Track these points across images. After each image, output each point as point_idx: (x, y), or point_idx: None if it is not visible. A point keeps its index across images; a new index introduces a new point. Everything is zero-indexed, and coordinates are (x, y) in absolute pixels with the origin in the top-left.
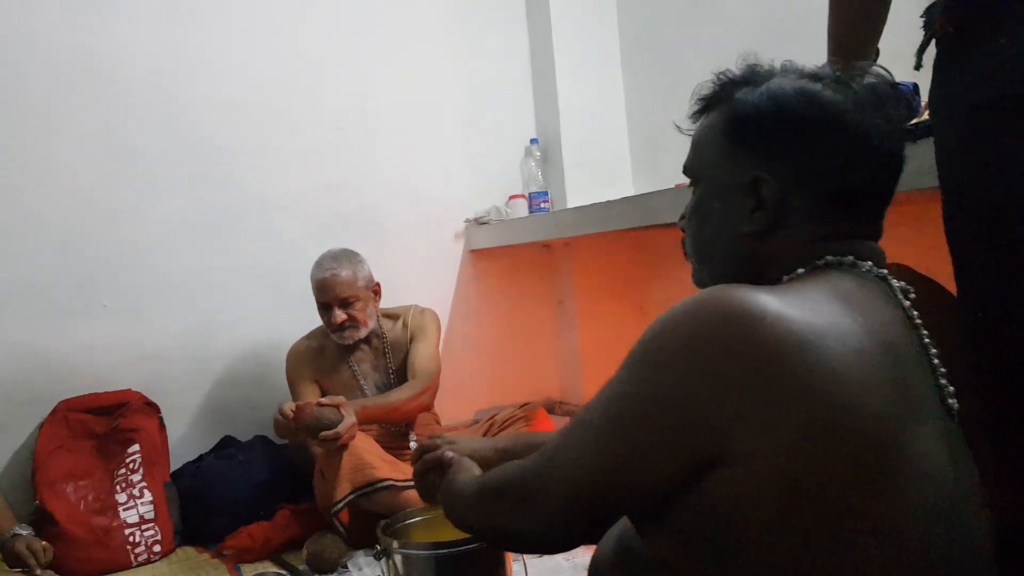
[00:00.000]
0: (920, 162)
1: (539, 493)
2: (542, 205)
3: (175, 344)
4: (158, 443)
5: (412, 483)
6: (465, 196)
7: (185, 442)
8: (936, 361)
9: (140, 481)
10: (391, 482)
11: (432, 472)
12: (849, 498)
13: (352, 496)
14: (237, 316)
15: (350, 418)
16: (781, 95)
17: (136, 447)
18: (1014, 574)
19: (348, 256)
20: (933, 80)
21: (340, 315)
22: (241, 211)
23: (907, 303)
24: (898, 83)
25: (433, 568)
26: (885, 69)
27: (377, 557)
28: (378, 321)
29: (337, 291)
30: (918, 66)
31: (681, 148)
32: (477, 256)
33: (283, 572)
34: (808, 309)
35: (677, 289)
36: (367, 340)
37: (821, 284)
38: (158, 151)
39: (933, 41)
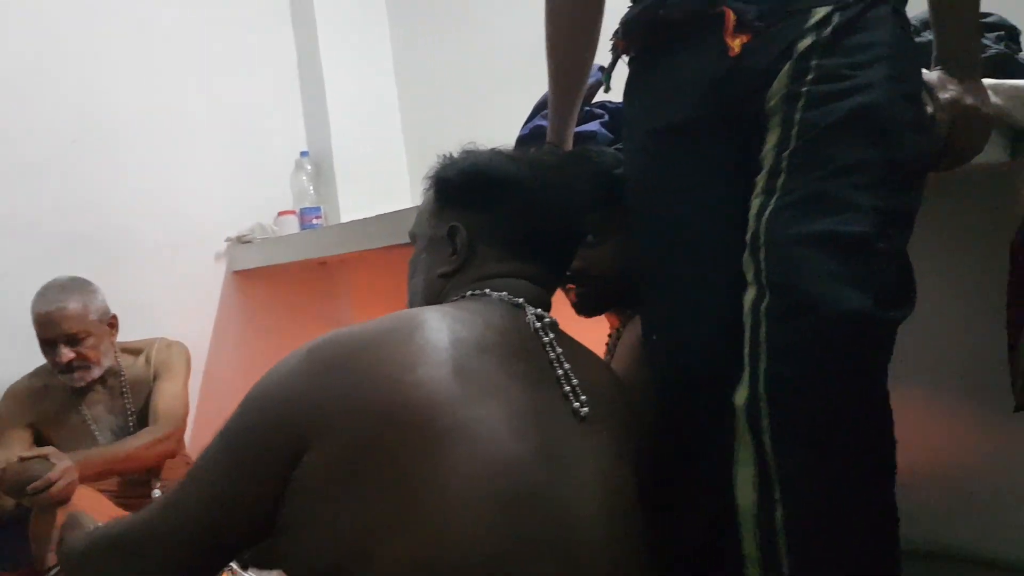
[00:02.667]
0: None
1: (150, 543)
2: (314, 221)
3: None
4: None
5: None
6: (228, 213)
7: None
8: (560, 372)
9: None
10: None
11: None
12: (400, 460)
13: None
14: None
15: (63, 463)
16: (473, 163)
17: None
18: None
19: (78, 286)
20: (624, 100)
21: (67, 353)
22: None
23: (538, 324)
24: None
25: None
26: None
27: None
28: (115, 358)
29: (64, 326)
30: (607, 88)
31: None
32: (243, 277)
33: None
34: (393, 324)
35: None
36: (102, 380)
37: (448, 309)
38: None
39: None
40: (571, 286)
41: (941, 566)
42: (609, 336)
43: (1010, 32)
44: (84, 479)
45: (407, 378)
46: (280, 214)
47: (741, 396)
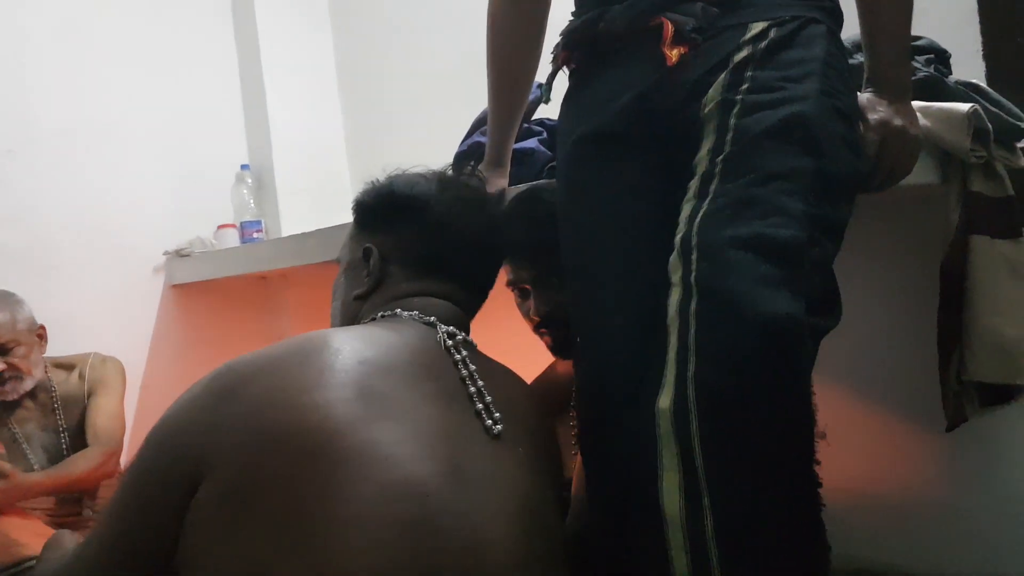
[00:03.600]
0: None
1: None
2: (255, 235)
3: None
4: None
5: None
6: (166, 226)
7: None
8: (473, 390)
9: None
10: None
11: None
12: (294, 487)
13: None
14: None
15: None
16: (384, 189)
17: None
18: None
19: (3, 297)
20: (560, 113)
21: None
22: None
23: (449, 342)
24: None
25: None
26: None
27: None
28: (45, 372)
29: None
30: (546, 100)
31: (406, 166)
32: (181, 292)
33: None
34: (293, 347)
35: None
36: (32, 395)
37: (356, 330)
38: None
39: None
40: (543, 331)
41: None
42: None
43: (940, 56)
44: (26, 499)
45: (304, 401)
46: (220, 227)
47: (666, 399)
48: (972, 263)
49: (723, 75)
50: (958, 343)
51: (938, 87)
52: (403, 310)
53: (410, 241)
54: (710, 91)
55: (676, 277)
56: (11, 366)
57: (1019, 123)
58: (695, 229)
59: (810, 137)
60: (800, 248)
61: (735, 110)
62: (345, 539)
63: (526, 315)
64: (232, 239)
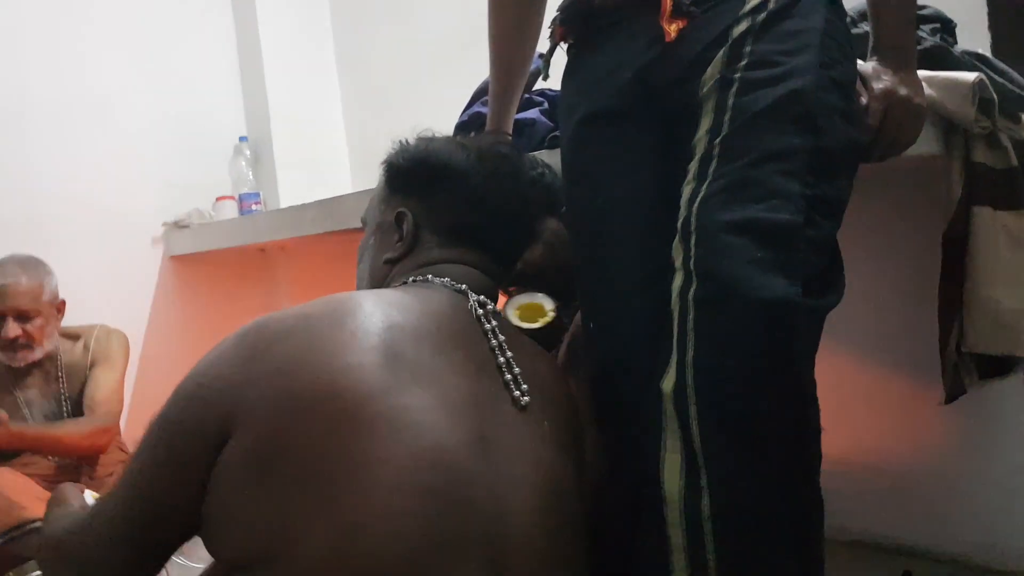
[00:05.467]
0: None
1: (88, 545)
2: (253, 207)
3: None
4: None
5: None
6: (163, 198)
7: None
8: (502, 360)
9: None
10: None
11: None
12: (322, 448)
13: None
14: None
15: None
16: (420, 154)
17: None
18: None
19: (35, 264)
20: (561, 88)
21: (14, 329)
22: None
23: (480, 311)
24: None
25: None
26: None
27: None
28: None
29: (16, 301)
30: (545, 76)
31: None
32: (180, 263)
33: None
34: (326, 309)
35: None
36: (39, 363)
37: (387, 293)
38: None
39: None
40: (512, 289)
41: (867, 555)
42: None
43: (945, 25)
44: (9, 446)
45: (335, 364)
46: (218, 199)
47: (668, 383)
48: (974, 234)
49: (722, 52)
50: (958, 314)
51: (943, 56)
52: (435, 276)
53: (446, 209)
54: (709, 68)
55: (678, 261)
56: (27, 334)
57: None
58: (694, 213)
59: (807, 114)
60: (795, 231)
61: (733, 89)
62: (371, 504)
63: None
64: (230, 211)
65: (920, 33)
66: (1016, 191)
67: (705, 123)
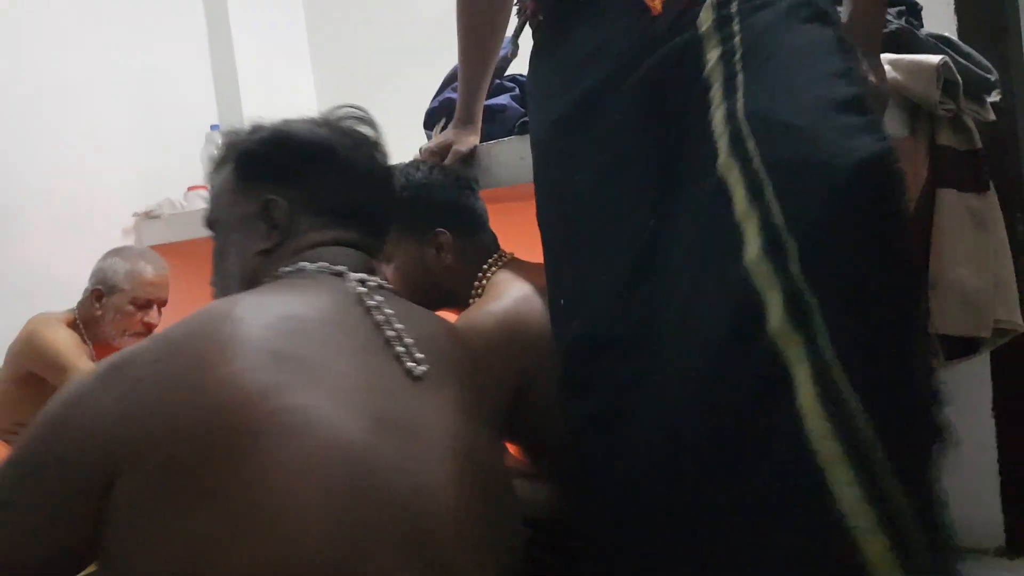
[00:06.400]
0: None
1: None
2: None
3: None
4: None
5: None
6: (134, 188)
7: None
8: (391, 334)
9: None
10: None
11: None
12: (216, 468)
13: None
14: None
15: None
16: (280, 137)
17: None
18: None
19: (160, 261)
20: (529, 69)
21: (156, 317)
22: None
23: (362, 289)
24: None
25: None
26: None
27: None
28: None
29: (166, 293)
30: (514, 54)
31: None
32: None
33: None
34: (197, 322)
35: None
36: None
37: (257, 293)
38: None
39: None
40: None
41: None
42: None
43: (911, 8)
44: None
45: (210, 378)
46: (190, 189)
47: (752, 250)
48: (939, 216)
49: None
50: (925, 296)
51: (909, 39)
52: (308, 263)
53: (320, 189)
54: (701, 12)
55: (733, 175)
56: (148, 325)
57: (988, 76)
58: (742, 120)
59: (819, 12)
60: (862, 96)
61: (734, 20)
62: (271, 513)
63: None
64: (203, 201)
65: (886, 16)
66: (980, 173)
67: (712, 54)
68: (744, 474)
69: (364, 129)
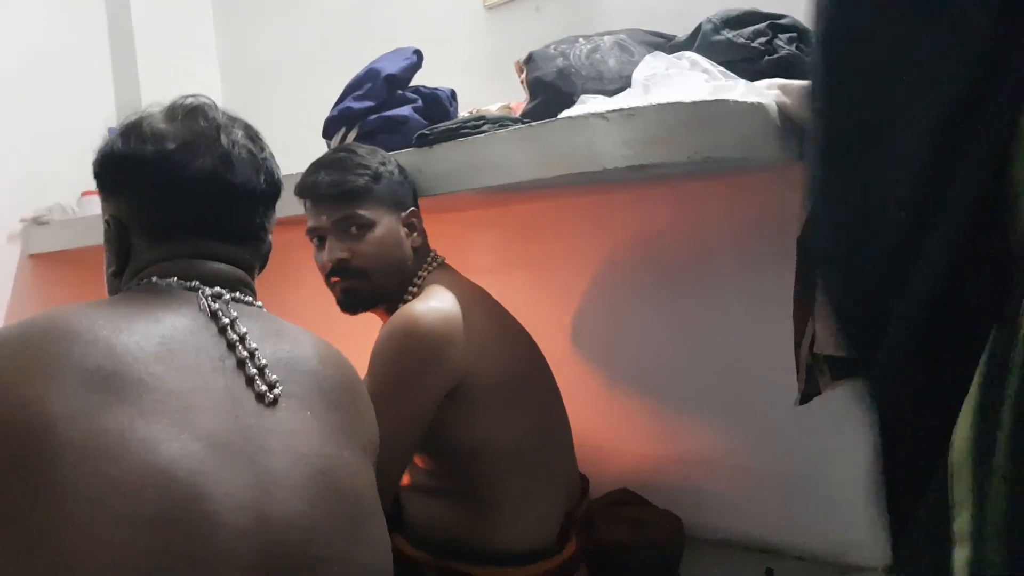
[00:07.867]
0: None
1: None
2: None
3: None
4: None
5: None
6: (24, 191)
7: None
8: (245, 354)
9: None
10: None
11: None
12: (17, 489)
13: None
14: None
15: None
16: (106, 147)
17: None
18: None
19: None
20: None
21: None
22: None
23: (214, 305)
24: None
25: None
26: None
27: None
28: None
29: None
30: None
31: (284, 133)
32: (41, 262)
33: None
34: (13, 333)
35: (307, 288)
36: None
37: (96, 305)
38: None
39: None
40: (335, 279)
41: (734, 553)
42: None
43: (802, 34)
44: None
45: (9, 397)
46: (84, 194)
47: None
48: None
49: None
50: (811, 316)
51: (799, 65)
52: (159, 278)
53: (143, 201)
54: None
55: None
56: None
57: None
58: None
59: None
60: None
61: None
62: (66, 543)
63: (321, 266)
64: (97, 206)
65: (777, 42)
66: None
67: None
68: None
69: (205, 113)
